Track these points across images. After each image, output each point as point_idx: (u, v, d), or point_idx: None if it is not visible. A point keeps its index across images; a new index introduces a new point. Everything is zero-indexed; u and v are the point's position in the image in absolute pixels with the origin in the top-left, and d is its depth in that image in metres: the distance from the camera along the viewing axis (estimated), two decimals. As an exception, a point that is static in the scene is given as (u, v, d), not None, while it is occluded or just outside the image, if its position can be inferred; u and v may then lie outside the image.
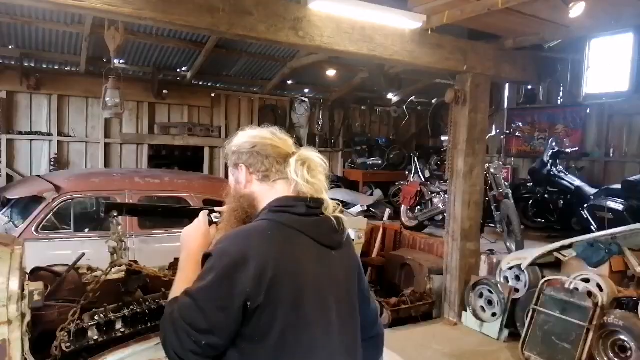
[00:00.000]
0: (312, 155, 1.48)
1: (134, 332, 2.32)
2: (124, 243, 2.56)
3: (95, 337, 2.23)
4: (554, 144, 6.77)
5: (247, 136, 1.52)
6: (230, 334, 1.28)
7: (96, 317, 2.28)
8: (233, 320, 1.27)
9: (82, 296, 2.31)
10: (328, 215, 1.45)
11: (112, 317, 2.31)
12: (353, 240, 3.33)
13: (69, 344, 2.13)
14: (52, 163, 7.50)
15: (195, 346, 1.25)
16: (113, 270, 2.53)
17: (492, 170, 5.94)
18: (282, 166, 1.46)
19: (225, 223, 1.54)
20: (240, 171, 1.51)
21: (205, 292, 1.27)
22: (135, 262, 2.65)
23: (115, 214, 2.52)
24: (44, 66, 7.44)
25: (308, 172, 1.42)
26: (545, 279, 4.53)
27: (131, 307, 2.41)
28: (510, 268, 5.06)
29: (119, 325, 2.32)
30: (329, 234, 1.45)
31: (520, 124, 8.62)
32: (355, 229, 3.37)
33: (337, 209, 1.48)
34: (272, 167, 1.46)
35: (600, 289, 4.15)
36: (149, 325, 2.39)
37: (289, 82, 9.13)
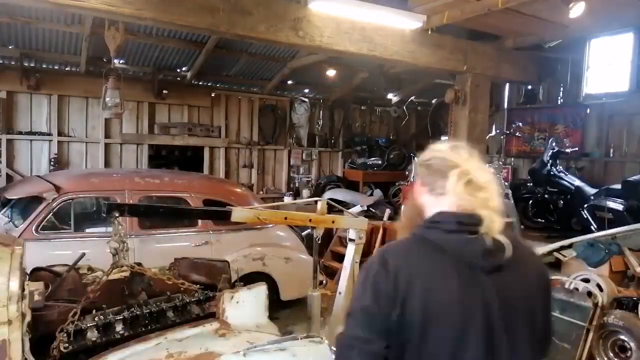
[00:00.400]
0: (477, 169, 1.39)
1: (133, 334, 2.32)
2: (125, 244, 2.56)
3: (94, 339, 2.22)
4: (554, 144, 6.77)
5: (429, 150, 1.52)
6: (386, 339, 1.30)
7: (95, 319, 2.28)
8: (384, 326, 1.30)
9: (82, 296, 2.31)
10: (483, 234, 1.32)
11: (112, 319, 2.31)
12: (353, 240, 3.34)
13: (67, 345, 2.13)
14: (52, 163, 7.50)
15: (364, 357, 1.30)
16: (114, 270, 2.53)
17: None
18: (445, 180, 1.39)
19: (400, 228, 1.65)
20: (416, 182, 1.55)
21: (358, 303, 1.36)
22: (139, 264, 2.64)
23: (117, 215, 2.52)
24: (44, 66, 7.43)
25: (466, 187, 1.35)
26: (545, 279, 4.52)
27: (131, 309, 2.40)
28: (510, 268, 5.05)
29: (118, 327, 2.32)
30: (480, 255, 1.32)
31: (520, 124, 8.61)
32: (355, 229, 3.36)
33: (500, 228, 1.34)
34: (436, 180, 1.42)
35: (600, 289, 4.14)
36: (150, 327, 2.38)
37: (289, 82, 9.13)
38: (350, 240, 3.39)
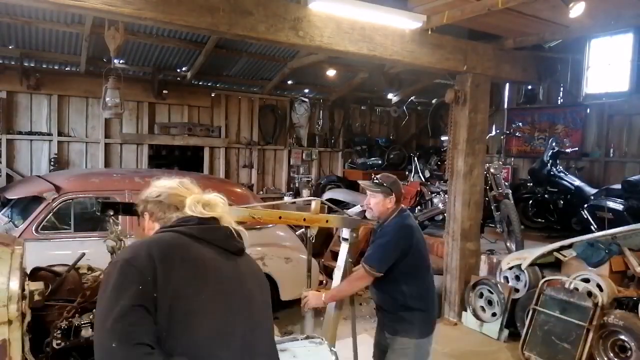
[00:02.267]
0: (208, 195, 1.61)
1: None
2: (122, 242, 2.56)
3: (87, 336, 2.20)
4: (554, 144, 6.78)
5: (155, 186, 1.64)
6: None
7: (90, 317, 2.26)
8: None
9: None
10: (223, 226, 1.57)
11: (77, 324, 2.26)
12: (347, 239, 3.34)
13: (60, 342, 2.11)
14: (52, 163, 7.50)
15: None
16: None
17: (492, 170, 5.94)
18: (181, 212, 1.56)
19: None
20: (144, 219, 1.64)
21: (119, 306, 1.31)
22: None
23: (111, 213, 2.52)
24: (44, 66, 7.43)
25: (204, 207, 1.55)
26: (545, 279, 4.53)
27: None
28: (510, 268, 5.06)
29: None
30: (227, 239, 1.56)
31: (520, 124, 8.61)
32: (349, 228, 3.37)
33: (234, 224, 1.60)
34: (173, 213, 1.57)
35: (600, 289, 4.15)
36: None
37: (289, 82, 9.13)
38: (344, 239, 3.40)
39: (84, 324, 2.23)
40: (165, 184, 1.62)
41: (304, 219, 3.13)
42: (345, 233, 3.38)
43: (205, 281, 1.43)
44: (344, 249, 3.39)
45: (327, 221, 3.24)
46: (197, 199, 1.57)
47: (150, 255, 1.36)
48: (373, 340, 3.21)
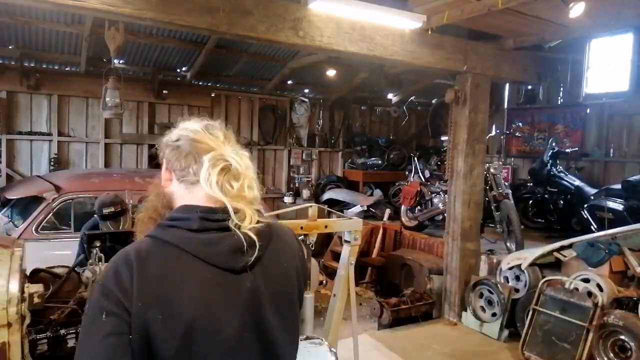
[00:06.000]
0: (233, 155, 1.18)
1: None
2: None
3: (72, 346, 2.17)
4: (554, 144, 6.77)
5: (178, 127, 1.27)
6: None
7: (47, 333, 2.20)
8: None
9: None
10: (234, 232, 1.14)
11: (63, 334, 2.23)
12: (349, 242, 3.32)
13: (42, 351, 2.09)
14: (52, 163, 7.50)
15: None
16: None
17: (492, 170, 5.94)
18: (198, 166, 1.17)
19: (140, 223, 1.35)
20: (162, 166, 1.28)
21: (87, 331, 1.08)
22: None
23: (98, 244, 2.47)
24: (44, 66, 7.42)
25: (220, 175, 1.14)
26: (545, 279, 4.53)
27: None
28: (510, 268, 5.06)
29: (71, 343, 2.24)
30: (229, 253, 1.14)
31: (520, 124, 8.61)
32: (350, 230, 3.35)
33: (254, 221, 1.17)
34: (189, 166, 1.18)
35: (600, 289, 4.15)
36: None
37: (289, 82, 9.13)
38: (345, 241, 3.37)
39: (70, 333, 2.20)
40: (188, 127, 1.25)
41: (301, 227, 3.07)
42: (347, 235, 3.36)
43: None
44: (345, 251, 3.37)
45: (325, 227, 3.19)
46: (216, 158, 1.16)
47: (128, 281, 1.06)
48: (373, 340, 3.21)
